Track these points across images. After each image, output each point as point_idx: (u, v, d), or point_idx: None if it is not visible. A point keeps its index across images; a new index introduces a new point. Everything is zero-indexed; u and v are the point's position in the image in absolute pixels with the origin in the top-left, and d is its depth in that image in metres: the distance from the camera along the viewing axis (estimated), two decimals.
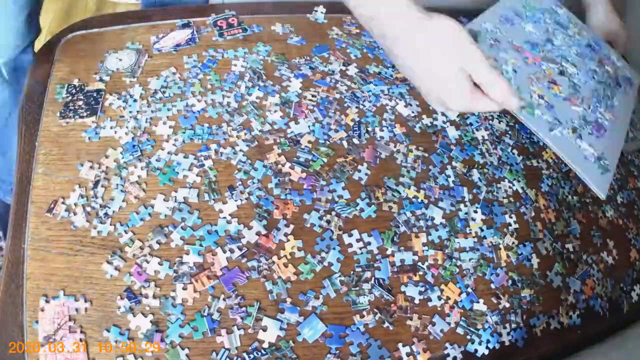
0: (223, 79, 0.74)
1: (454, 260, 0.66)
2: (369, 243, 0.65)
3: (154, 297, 0.57)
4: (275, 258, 0.61)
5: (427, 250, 0.66)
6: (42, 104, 0.68)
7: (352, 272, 0.62)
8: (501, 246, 0.70)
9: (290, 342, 0.57)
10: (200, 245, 0.60)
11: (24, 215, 0.61)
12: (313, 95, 0.75)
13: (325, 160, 0.69)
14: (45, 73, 0.71)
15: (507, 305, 0.66)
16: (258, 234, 0.62)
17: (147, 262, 0.59)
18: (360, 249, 0.64)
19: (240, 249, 0.61)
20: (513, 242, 0.70)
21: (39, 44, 0.83)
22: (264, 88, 0.74)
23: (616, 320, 0.73)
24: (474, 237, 0.69)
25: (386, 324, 0.61)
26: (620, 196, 0.82)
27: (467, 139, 0.77)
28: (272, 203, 0.64)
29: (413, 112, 0.78)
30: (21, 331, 0.54)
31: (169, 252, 0.60)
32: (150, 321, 0.56)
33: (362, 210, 0.66)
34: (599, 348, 0.68)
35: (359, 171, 0.70)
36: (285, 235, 0.63)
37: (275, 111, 0.72)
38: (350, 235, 0.65)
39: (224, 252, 0.60)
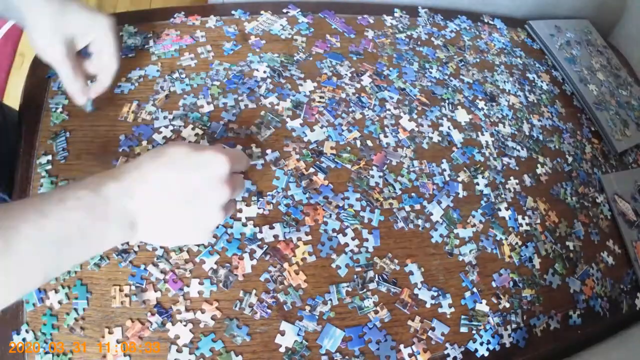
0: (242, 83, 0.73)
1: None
2: (367, 240, 0.64)
3: (187, 310, 0.56)
4: (286, 265, 0.61)
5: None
6: (42, 103, 0.68)
7: (355, 276, 0.62)
8: (504, 242, 0.70)
9: (304, 341, 0.57)
10: (211, 246, 0.60)
11: None
12: (321, 97, 0.75)
13: (349, 166, 0.69)
14: (46, 73, 0.71)
15: (507, 305, 0.66)
16: (275, 237, 0.62)
17: (188, 286, 0.58)
18: (357, 246, 0.64)
19: (260, 247, 0.61)
20: (517, 243, 0.71)
21: None
22: (280, 89, 0.74)
23: (616, 320, 0.73)
24: (472, 227, 0.69)
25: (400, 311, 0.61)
26: None
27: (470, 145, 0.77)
28: (301, 212, 0.64)
29: (417, 128, 0.76)
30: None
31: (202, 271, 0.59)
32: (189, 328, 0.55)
33: (370, 220, 0.66)
34: (599, 348, 0.68)
35: (372, 177, 0.69)
36: (299, 239, 0.62)
37: (290, 116, 0.71)
38: (345, 235, 0.64)
39: (251, 259, 0.60)
